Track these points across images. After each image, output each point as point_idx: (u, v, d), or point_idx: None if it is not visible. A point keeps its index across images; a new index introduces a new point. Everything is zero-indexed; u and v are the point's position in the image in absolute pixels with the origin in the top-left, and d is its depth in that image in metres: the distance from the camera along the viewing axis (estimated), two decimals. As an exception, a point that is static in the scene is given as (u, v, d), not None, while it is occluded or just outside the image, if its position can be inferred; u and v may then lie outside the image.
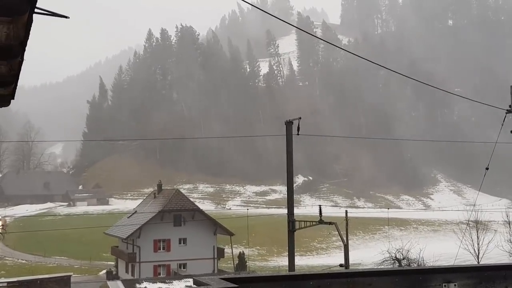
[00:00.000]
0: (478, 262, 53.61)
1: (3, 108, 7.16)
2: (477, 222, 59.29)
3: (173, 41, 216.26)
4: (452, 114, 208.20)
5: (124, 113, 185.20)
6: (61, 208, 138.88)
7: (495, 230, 67.88)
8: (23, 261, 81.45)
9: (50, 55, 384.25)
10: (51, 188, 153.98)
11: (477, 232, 58.10)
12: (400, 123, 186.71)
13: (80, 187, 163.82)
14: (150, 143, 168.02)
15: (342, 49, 46.54)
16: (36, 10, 4.24)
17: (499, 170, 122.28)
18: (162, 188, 72.03)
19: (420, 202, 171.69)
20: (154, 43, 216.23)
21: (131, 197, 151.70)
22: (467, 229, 56.68)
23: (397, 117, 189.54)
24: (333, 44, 23.13)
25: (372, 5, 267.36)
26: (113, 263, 71.45)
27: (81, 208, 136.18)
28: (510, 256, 54.87)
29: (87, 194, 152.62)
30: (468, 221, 57.85)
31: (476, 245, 56.93)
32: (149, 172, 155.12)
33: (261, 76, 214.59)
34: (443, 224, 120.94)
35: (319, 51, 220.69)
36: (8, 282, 59.53)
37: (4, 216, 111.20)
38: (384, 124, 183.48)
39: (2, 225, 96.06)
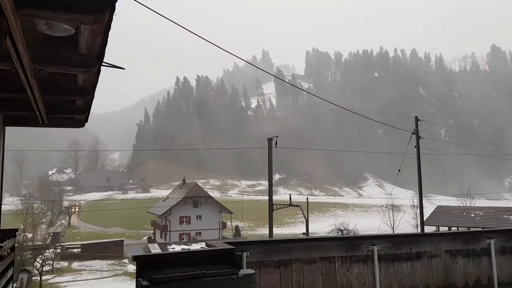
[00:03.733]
0: (393, 232, 53.77)
1: (80, 128, 7.20)
2: (393, 206, 59.52)
3: (193, 85, 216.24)
4: (376, 135, 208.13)
5: (161, 132, 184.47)
6: (117, 195, 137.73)
7: (404, 211, 68.14)
8: (92, 230, 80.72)
9: (112, 92, 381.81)
10: (111, 182, 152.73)
11: (393, 212, 58.31)
12: (344, 140, 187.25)
13: (131, 181, 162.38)
14: (177, 152, 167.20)
15: (304, 90, 46.06)
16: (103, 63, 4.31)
17: (407, 171, 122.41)
18: (186, 182, 71.83)
19: (355, 192, 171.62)
20: (180, 86, 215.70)
21: (165, 188, 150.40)
22: (386, 210, 56.91)
23: (342, 135, 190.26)
24: (297, 87, 23.12)
25: (325, 62, 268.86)
26: (152, 232, 71.03)
27: (131, 195, 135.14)
28: (414, 228, 55.17)
29: (135, 186, 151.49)
30: (387, 205, 58.02)
31: (392, 221, 57.14)
32: (177, 172, 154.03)
33: (251, 108, 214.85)
34: (370, 207, 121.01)
35: (289, 92, 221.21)
36: (81, 244, 59.14)
37: (80, 200, 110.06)
38: (333, 140, 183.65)
39: (78, 207, 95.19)
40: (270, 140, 26.05)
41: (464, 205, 60.55)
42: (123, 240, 57.67)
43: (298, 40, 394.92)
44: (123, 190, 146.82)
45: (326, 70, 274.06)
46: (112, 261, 50.69)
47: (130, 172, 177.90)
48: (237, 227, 68.04)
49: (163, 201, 69.30)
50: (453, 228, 37.33)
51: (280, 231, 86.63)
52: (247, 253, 5.57)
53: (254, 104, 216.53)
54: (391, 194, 55.72)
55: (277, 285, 5.80)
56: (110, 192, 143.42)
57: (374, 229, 52.53)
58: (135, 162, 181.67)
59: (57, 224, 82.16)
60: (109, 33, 3.32)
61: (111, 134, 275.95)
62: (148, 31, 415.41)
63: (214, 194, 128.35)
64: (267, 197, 27.28)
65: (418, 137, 26.14)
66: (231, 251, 4.95)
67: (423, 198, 27.08)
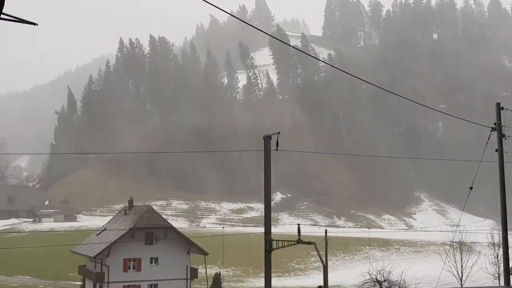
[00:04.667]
0: (461, 285, 53.88)
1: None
2: (461, 243, 59.55)
3: (146, 51, 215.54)
4: (436, 131, 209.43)
5: (95, 125, 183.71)
6: (25, 225, 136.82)
7: (479, 252, 68.27)
8: (-16, 281, 79.92)
9: (18, 62, 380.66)
10: (16, 203, 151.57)
11: (461, 254, 58.33)
12: (383, 140, 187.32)
13: (47, 202, 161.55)
14: (122, 157, 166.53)
15: (320, 60, 46.21)
16: (2, 16, 4.18)
17: (484, 189, 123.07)
18: (134, 204, 71.30)
19: (402, 222, 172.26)
20: (125, 53, 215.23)
21: (100, 214, 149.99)
22: (451, 250, 56.90)
23: (379, 134, 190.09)
24: (310, 55, 23.03)
25: (355, 16, 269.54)
26: (80, 283, 70.39)
27: (47, 224, 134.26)
28: (495, 279, 55.21)
29: (53, 210, 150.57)
30: (452, 242, 58.10)
31: (459, 267, 57.18)
32: (120, 187, 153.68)
33: (238, 89, 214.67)
34: (426, 245, 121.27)
35: (297, 64, 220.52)
36: (-34, 303, 58.33)
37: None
38: (366, 141, 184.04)
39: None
40: (267, 138, 25.91)
41: None
42: (33, 297, 57.26)
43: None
44: (35, 217, 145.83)
45: (356, 29, 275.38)
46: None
47: (46, 188, 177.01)
48: (216, 277, 67.94)
49: (97, 235, 68.88)
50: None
51: (283, 283, 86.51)
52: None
53: (243, 81, 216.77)
54: (458, 226, 55.83)
55: None
56: (13, 221, 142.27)
57: (431, 281, 52.57)
58: (53, 173, 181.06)
59: None
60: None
61: (15, 128, 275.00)
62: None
63: (179, 224, 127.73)
64: (262, 229, 27.13)
65: (501, 136, 26.16)
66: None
67: (508, 233, 27.13)
